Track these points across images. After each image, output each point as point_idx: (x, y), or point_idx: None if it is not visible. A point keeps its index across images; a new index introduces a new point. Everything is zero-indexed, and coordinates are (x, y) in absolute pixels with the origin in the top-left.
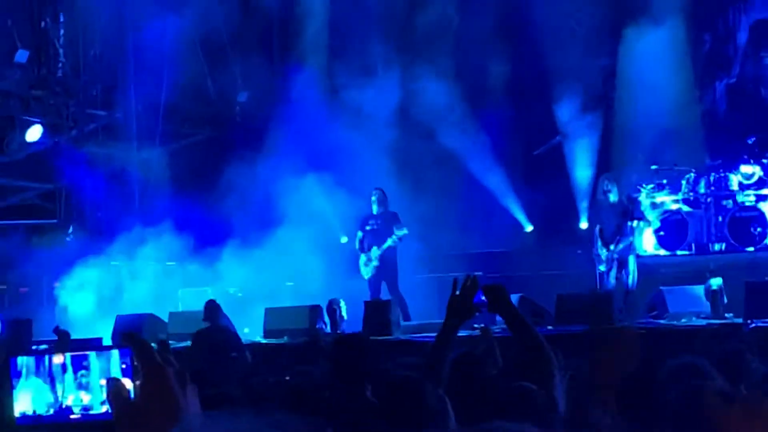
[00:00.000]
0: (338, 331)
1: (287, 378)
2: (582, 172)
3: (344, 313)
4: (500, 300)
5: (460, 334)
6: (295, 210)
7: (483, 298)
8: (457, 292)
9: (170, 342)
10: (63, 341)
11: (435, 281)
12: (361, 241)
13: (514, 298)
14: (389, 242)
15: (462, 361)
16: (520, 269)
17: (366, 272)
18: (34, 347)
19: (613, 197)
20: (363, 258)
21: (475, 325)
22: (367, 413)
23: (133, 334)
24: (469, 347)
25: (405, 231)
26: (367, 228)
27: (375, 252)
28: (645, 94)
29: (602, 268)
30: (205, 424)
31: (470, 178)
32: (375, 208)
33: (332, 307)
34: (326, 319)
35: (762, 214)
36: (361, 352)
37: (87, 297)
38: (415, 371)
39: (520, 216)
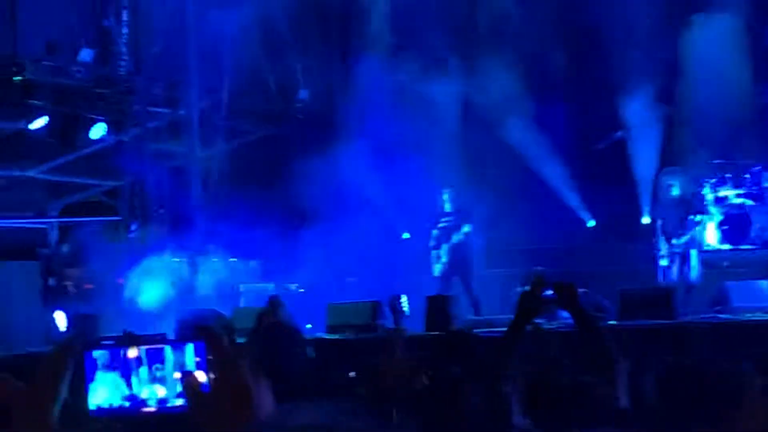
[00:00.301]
0: (399, 327)
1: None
2: (645, 166)
3: (406, 309)
4: (570, 297)
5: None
6: (358, 206)
7: (551, 294)
8: (527, 288)
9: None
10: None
11: (498, 276)
12: (434, 239)
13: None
14: (454, 239)
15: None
16: (582, 264)
17: (436, 269)
18: (104, 342)
19: (675, 192)
20: (435, 255)
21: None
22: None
23: (207, 328)
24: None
25: (467, 228)
26: (440, 225)
27: (444, 248)
28: (708, 87)
29: (664, 262)
30: (284, 414)
31: (532, 173)
32: (447, 206)
33: (394, 303)
34: (388, 314)
35: None
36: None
37: (151, 293)
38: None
39: (582, 211)
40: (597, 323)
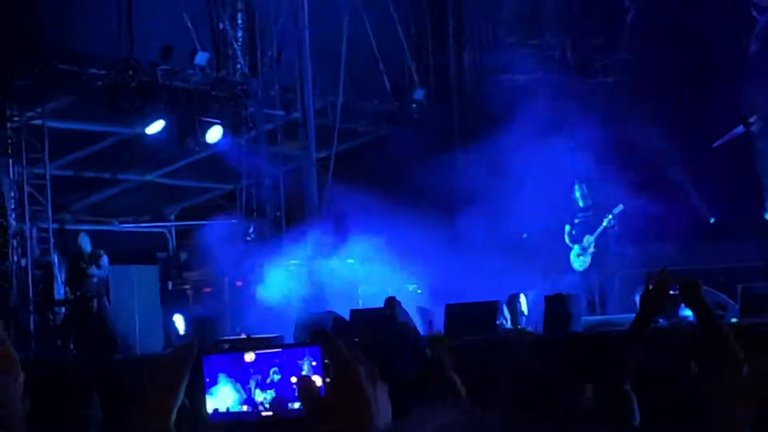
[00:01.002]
0: (518, 327)
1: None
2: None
3: (524, 309)
4: (695, 295)
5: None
6: (477, 207)
7: (676, 292)
8: (651, 287)
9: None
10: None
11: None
12: (571, 234)
13: None
14: (605, 223)
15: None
16: (701, 261)
17: (580, 263)
18: (221, 345)
19: None
20: (576, 249)
21: None
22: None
23: (324, 332)
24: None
25: (620, 207)
26: (576, 221)
27: (589, 239)
28: None
29: None
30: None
31: (653, 170)
32: (581, 202)
33: (512, 303)
34: (506, 314)
35: None
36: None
37: (269, 295)
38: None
39: (703, 207)
40: (721, 322)
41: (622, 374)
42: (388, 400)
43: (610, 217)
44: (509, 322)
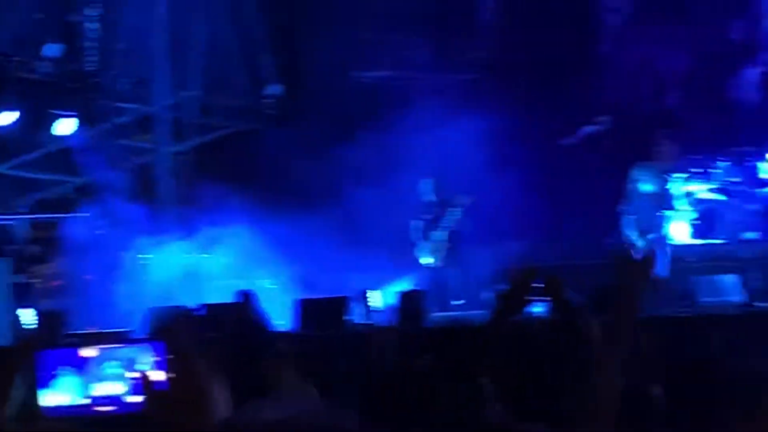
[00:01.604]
0: (370, 323)
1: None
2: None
3: (378, 304)
4: (557, 291)
5: None
6: (332, 202)
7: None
8: (513, 282)
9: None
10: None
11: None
12: (420, 230)
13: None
14: (451, 218)
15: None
16: (553, 257)
17: (429, 260)
18: (68, 339)
19: (646, 187)
20: (424, 245)
21: None
22: None
23: (167, 328)
24: None
25: (466, 201)
26: (425, 217)
27: (437, 235)
28: None
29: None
30: (251, 411)
31: (506, 167)
32: (429, 197)
33: (365, 298)
34: (359, 309)
35: None
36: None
37: (121, 289)
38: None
39: (554, 204)
40: (587, 320)
41: (478, 368)
42: (227, 396)
43: (456, 212)
44: (362, 318)
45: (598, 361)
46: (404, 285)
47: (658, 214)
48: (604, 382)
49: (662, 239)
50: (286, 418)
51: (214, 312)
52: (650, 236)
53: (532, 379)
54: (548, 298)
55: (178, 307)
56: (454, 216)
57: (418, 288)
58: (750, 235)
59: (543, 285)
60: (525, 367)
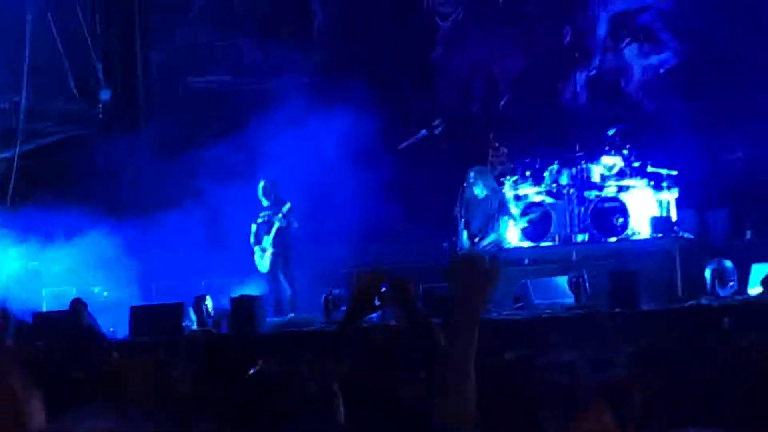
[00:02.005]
0: (206, 329)
1: None
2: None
3: (211, 310)
4: (404, 293)
5: None
6: (167, 210)
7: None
8: (361, 286)
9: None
10: None
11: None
12: (255, 235)
13: None
14: (277, 222)
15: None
16: (388, 260)
17: (262, 265)
18: None
19: (479, 191)
20: (258, 251)
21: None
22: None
23: None
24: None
25: (288, 205)
26: (259, 221)
27: (267, 239)
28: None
29: None
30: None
31: (340, 170)
32: (264, 201)
33: (198, 304)
34: (192, 316)
35: (623, 204)
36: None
37: None
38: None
39: (390, 208)
40: (430, 322)
41: (328, 373)
42: (41, 407)
43: (281, 216)
44: (195, 324)
45: (444, 364)
46: (247, 290)
47: (489, 217)
48: (454, 384)
49: (494, 242)
50: (99, 430)
51: (42, 320)
52: (482, 240)
53: (378, 387)
54: (396, 302)
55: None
56: (281, 221)
57: (253, 293)
58: (580, 237)
59: (390, 288)
60: (373, 373)
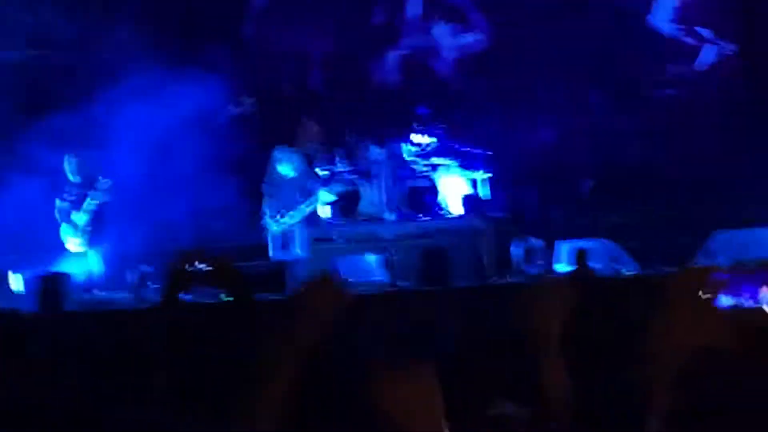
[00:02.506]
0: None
1: None
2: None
3: (21, 288)
4: (227, 274)
5: None
6: None
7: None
8: (179, 265)
9: None
10: None
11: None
12: (61, 211)
13: None
14: (91, 200)
15: None
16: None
17: (72, 243)
18: None
19: (285, 170)
20: (67, 228)
21: None
22: None
23: None
24: None
25: (108, 182)
26: (66, 197)
27: (81, 217)
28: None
29: (272, 238)
30: None
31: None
32: (71, 177)
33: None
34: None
35: (434, 183)
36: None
37: None
38: None
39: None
40: (251, 298)
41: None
42: None
43: (100, 192)
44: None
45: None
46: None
47: (296, 196)
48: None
49: (302, 221)
50: None
51: None
52: (287, 218)
53: (200, 373)
54: (215, 282)
55: None
56: (96, 197)
57: (60, 271)
58: (391, 215)
59: (212, 269)
60: (196, 359)
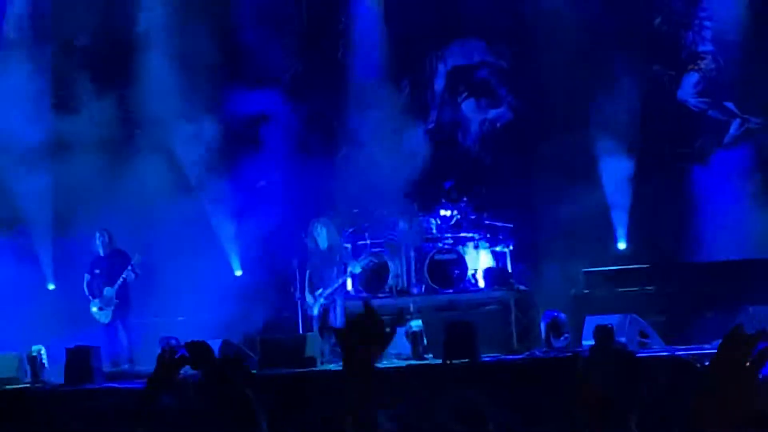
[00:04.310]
0: (40, 380)
1: None
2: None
3: (45, 361)
4: (203, 356)
5: None
6: None
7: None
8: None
9: None
10: None
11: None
12: (90, 285)
13: (217, 343)
14: (124, 275)
15: None
16: (227, 312)
17: (102, 316)
18: None
19: (322, 242)
20: (96, 302)
21: None
22: None
23: None
24: None
25: (138, 258)
26: (96, 272)
27: (109, 291)
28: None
29: (313, 311)
30: None
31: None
32: (101, 250)
33: (32, 355)
34: (27, 367)
35: (460, 256)
36: None
37: None
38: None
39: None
40: (235, 380)
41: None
42: None
43: (129, 268)
44: (29, 375)
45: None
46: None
47: (331, 268)
48: None
49: (337, 293)
50: None
51: None
52: (324, 292)
53: None
54: (198, 368)
55: None
56: (125, 274)
57: (90, 345)
58: (417, 288)
59: (189, 353)
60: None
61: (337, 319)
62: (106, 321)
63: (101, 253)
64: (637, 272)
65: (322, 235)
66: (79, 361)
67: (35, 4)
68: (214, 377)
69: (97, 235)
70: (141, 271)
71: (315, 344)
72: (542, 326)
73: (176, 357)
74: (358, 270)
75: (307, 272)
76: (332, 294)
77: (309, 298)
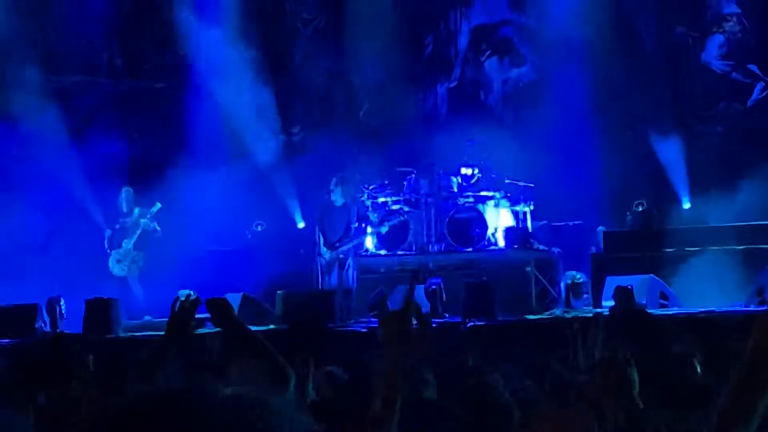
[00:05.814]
0: (58, 330)
1: None
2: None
3: (64, 311)
4: (224, 314)
5: None
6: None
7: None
8: (176, 310)
9: None
10: None
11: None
12: (110, 240)
13: (236, 297)
14: (142, 225)
15: None
16: (241, 267)
17: (119, 269)
18: None
19: (337, 198)
20: (114, 255)
21: None
22: None
23: None
24: None
25: (158, 206)
26: (117, 227)
27: (127, 243)
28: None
29: (325, 267)
30: None
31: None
32: (124, 206)
33: (52, 305)
34: (46, 317)
35: (480, 215)
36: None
37: None
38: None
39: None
40: (257, 339)
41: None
42: None
43: (147, 219)
44: (48, 325)
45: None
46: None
47: (349, 225)
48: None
49: (352, 251)
50: None
51: None
52: (341, 247)
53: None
54: (218, 324)
55: None
56: (143, 224)
57: (107, 297)
58: (437, 246)
59: (209, 311)
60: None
61: (350, 278)
62: (123, 274)
63: (124, 209)
64: (656, 233)
65: (336, 192)
66: (98, 312)
67: None
68: (239, 335)
69: (122, 191)
70: (159, 220)
71: (335, 300)
72: (562, 286)
73: (190, 302)
74: (385, 230)
75: (320, 227)
76: (347, 251)
77: (324, 252)
